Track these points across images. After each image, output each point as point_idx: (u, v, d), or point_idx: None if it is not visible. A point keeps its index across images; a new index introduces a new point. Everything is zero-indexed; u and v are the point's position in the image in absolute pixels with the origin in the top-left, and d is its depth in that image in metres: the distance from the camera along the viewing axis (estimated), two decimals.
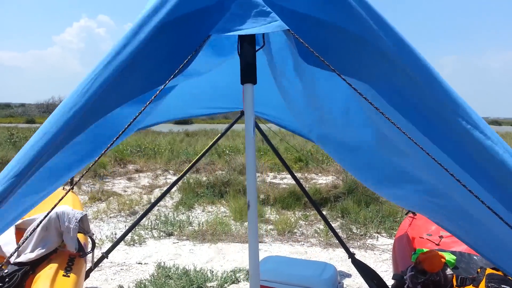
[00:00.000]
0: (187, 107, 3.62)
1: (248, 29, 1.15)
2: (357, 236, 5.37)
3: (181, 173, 3.82)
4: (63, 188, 3.65)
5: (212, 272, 4.01)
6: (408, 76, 1.14)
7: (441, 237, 3.28)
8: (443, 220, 2.14)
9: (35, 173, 1.21)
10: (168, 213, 6.17)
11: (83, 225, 2.72)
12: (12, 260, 2.48)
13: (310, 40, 1.14)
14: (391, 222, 5.69)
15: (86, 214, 2.77)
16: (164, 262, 4.25)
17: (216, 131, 19.01)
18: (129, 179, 8.54)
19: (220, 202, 6.98)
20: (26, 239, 2.48)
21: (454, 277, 2.56)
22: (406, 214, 4.01)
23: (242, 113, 3.71)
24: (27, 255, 2.50)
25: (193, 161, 4.03)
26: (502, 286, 2.32)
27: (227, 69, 2.63)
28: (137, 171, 9.21)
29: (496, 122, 66.16)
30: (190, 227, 5.63)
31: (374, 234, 5.45)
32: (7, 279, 2.33)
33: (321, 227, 5.66)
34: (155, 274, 3.97)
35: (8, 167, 1.28)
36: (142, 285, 3.67)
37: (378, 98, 1.23)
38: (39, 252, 2.52)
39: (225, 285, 3.76)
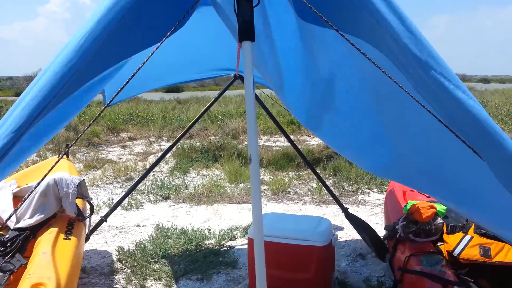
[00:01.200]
0: (177, 73, 3.61)
1: None
2: (349, 192, 5.51)
3: (175, 139, 3.85)
4: (59, 156, 3.66)
5: (210, 230, 4.13)
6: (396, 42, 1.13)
7: None
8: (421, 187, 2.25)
9: (30, 128, 1.21)
10: (164, 178, 6.23)
11: (81, 190, 2.76)
12: (12, 226, 2.53)
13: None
14: (382, 178, 5.82)
15: (84, 180, 2.81)
16: (162, 224, 4.35)
17: (207, 98, 18.84)
18: (123, 147, 8.54)
19: (214, 166, 7.05)
20: (22, 205, 2.51)
21: (445, 226, 2.67)
22: None
23: (235, 77, 3.69)
24: (27, 221, 2.55)
25: (187, 126, 4.05)
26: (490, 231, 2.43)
27: (216, 35, 2.60)
28: (130, 139, 9.20)
29: (485, 80, 66.34)
30: (186, 191, 5.72)
31: (366, 190, 5.59)
32: (8, 244, 2.38)
33: (314, 185, 5.78)
34: (154, 235, 4.08)
35: (4, 122, 1.27)
36: (142, 245, 3.77)
37: (373, 54, 1.23)
38: (38, 217, 2.57)
39: (222, 242, 3.88)
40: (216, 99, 4.00)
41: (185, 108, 14.14)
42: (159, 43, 1.23)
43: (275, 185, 5.76)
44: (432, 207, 2.66)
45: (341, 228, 4.22)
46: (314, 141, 8.67)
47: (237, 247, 3.82)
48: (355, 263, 3.46)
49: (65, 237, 2.58)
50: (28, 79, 41.96)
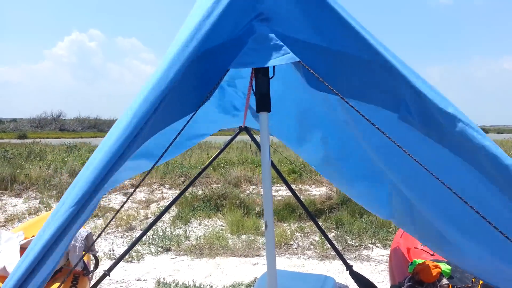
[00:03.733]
0: (198, 128, 3.76)
1: (263, 62, 1.25)
2: (352, 247, 5.45)
3: (179, 188, 3.90)
4: None
5: (212, 287, 4.06)
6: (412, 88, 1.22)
7: None
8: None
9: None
10: (165, 228, 6.19)
11: (87, 243, 2.77)
12: None
13: (316, 68, 1.24)
14: (385, 232, 5.79)
15: (91, 232, 2.83)
16: (163, 278, 4.28)
17: (209, 143, 19.03)
18: (125, 194, 8.54)
19: (216, 215, 7.03)
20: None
21: (450, 287, 2.66)
22: None
23: (240, 129, 3.82)
24: None
25: (193, 178, 4.10)
26: None
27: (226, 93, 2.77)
28: (133, 185, 9.22)
29: (483, 130, 67.19)
30: (188, 242, 5.67)
31: (369, 245, 5.54)
32: None
33: (317, 238, 5.74)
34: None
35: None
36: None
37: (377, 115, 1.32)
38: None
39: None
40: (220, 152, 4.08)
41: (188, 154, 14.27)
42: (196, 109, 1.32)
43: (278, 237, 5.72)
44: (437, 266, 2.67)
45: (346, 287, 4.15)
46: (315, 191, 8.68)
47: None
48: None
49: None
50: (32, 122, 42.65)
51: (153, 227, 6.19)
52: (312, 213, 6.69)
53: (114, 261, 3.46)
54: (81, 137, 26.73)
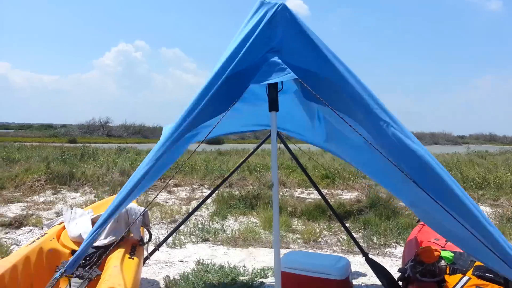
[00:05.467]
0: (227, 125, 4.43)
1: (273, 79, 1.84)
2: (376, 245, 5.81)
3: (215, 187, 4.53)
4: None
5: (244, 268, 4.61)
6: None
7: (446, 241, 3.73)
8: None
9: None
10: (205, 222, 6.84)
11: (144, 219, 3.42)
12: None
13: (309, 84, 1.81)
14: (409, 233, 6.08)
15: (147, 210, 3.48)
16: (203, 260, 4.89)
17: (247, 150, 19.71)
18: (169, 192, 9.34)
19: (251, 213, 7.59)
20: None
21: (448, 268, 3.05)
22: (417, 222, 4.47)
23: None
24: (102, 241, 3.22)
25: (227, 175, 4.72)
26: (486, 274, 2.81)
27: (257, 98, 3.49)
28: (175, 185, 10.02)
29: None
30: (224, 234, 6.25)
31: (393, 243, 5.87)
32: (88, 258, 3.04)
33: (344, 237, 6.14)
34: (195, 269, 4.61)
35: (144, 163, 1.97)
36: (185, 276, 4.31)
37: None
38: (111, 239, 3.24)
39: (255, 279, 4.34)
40: (253, 152, 4.68)
41: (226, 159, 15.01)
42: (232, 105, 1.96)
43: (307, 234, 6.18)
44: (437, 250, 3.07)
45: (364, 275, 4.56)
46: (346, 196, 9.04)
47: (267, 283, 4.27)
48: None
49: (130, 256, 3.21)
50: (81, 127, 45.61)
51: (194, 221, 6.87)
52: (338, 213, 7.10)
53: (161, 240, 4.13)
54: (127, 143, 28.37)
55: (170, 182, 10.01)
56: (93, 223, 3.51)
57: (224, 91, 1.82)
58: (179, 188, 9.89)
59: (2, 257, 4.80)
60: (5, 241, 5.57)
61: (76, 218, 3.56)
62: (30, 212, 7.07)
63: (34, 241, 3.23)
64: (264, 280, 4.35)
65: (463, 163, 14.90)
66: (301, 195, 9.31)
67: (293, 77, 1.82)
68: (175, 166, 12.00)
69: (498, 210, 8.00)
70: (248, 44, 1.78)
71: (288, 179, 10.60)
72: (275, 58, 1.85)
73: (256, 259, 5.15)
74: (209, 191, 9.59)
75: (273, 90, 2.06)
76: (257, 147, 4.72)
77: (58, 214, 7.07)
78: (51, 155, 13.24)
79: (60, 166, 10.24)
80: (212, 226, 6.60)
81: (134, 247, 3.39)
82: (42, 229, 6.27)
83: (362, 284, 4.24)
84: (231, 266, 4.70)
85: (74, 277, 2.90)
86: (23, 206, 7.62)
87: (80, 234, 3.33)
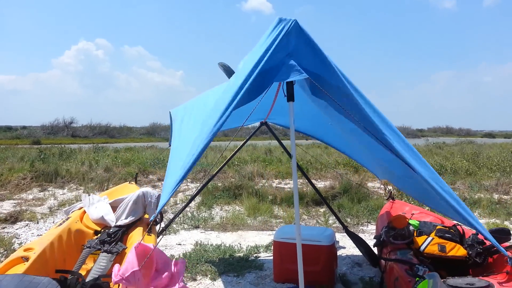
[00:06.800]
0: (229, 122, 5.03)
1: (291, 78, 2.42)
2: (351, 225, 6.55)
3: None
4: (129, 182, 4.89)
5: (239, 245, 5.19)
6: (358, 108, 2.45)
7: (412, 214, 4.46)
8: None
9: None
10: (193, 211, 7.33)
11: (158, 202, 3.90)
12: (112, 224, 3.67)
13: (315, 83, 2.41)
14: (378, 213, 6.88)
15: (160, 194, 3.96)
16: (200, 240, 5.42)
17: (219, 147, 20.18)
18: (154, 186, 9.71)
19: (235, 202, 8.16)
20: (120, 209, 3.68)
21: (415, 232, 3.75)
22: (387, 199, 5.21)
23: (261, 124, 4.98)
24: (123, 221, 3.69)
25: (219, 167, 5.27)
26: (446, 234, 3.52)
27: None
28: (159, 179, 10.40)
29: (490, 135, 67.72)
30: (213, 221, 6.79)
31: (365, 223, 6.64)
32: (112, 235, 3.52)
33: (322, 219, 6.83)
34: (195, 249, 5.14)
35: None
36: (187, 254, 4.83)
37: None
38: (131, 218, 3.71)
39: (250, 254, 4.93)
40: (244, 143, 5.26)
41: (204, 154, 15.45)
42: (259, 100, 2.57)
43: (288, 218, 6.84)
44: (405, 218, 3.76)
45: (344, 247, 5.26)
46: (321, 184, 9.79)
47: (261, 257, 4.86)
48: (353, 268, 4.49)
49: (147, 234, 3.70)
50: (45, 128, 43.97)
51: (182, 212, 7.34)
52: (315, 199, 7.83)
53: (166, 223, 4.62)
54: (93, 143, 27.42)
55: (153, 177, 10.37)
56: (112, 207, 3.96)
57: (254, 85, 2.37)
58: (162, 182, 10.28)
59: (5, 250, 5.13)
60: (4, 235, 5.84)
61: (94, 203, 4.00)
62: (23, 208, 7.29)
63: (61, 224, 3.65)
64: (258, 255, 4.95)
65: (422, 153, 16.14)
66: (279, 185, 9.97)
67: (305, 76, 2.40)
68: (155, 162, 12.40)
69: (456, 192, 8.99)
70: (271, 49, 2.36)
71: (265, 171, 11.23)
72: (292, 62, 2.42)
73: (247, 240, 5.73)
74: (192, 184, 10.07)
75: (290, 86, 2.65)
76: (249, 138, 5.30)
77: (51, 209, 7.35)
78: (27, 156, 13.20)
79: (44, 164, 10.36)
80: (200, 215, 7.10)
81: (150, 226, 3.87)
82: (39, 222, 6.55)
83: (343, 255, 4.93)
84: (227, 245, 5.25)
85: (102, 252, 3.38)
86: (14, 203, 7.80)
87: (102, 216, 3.78)
